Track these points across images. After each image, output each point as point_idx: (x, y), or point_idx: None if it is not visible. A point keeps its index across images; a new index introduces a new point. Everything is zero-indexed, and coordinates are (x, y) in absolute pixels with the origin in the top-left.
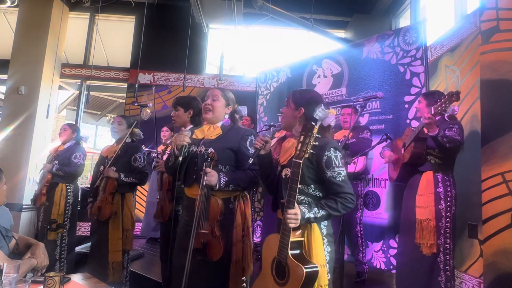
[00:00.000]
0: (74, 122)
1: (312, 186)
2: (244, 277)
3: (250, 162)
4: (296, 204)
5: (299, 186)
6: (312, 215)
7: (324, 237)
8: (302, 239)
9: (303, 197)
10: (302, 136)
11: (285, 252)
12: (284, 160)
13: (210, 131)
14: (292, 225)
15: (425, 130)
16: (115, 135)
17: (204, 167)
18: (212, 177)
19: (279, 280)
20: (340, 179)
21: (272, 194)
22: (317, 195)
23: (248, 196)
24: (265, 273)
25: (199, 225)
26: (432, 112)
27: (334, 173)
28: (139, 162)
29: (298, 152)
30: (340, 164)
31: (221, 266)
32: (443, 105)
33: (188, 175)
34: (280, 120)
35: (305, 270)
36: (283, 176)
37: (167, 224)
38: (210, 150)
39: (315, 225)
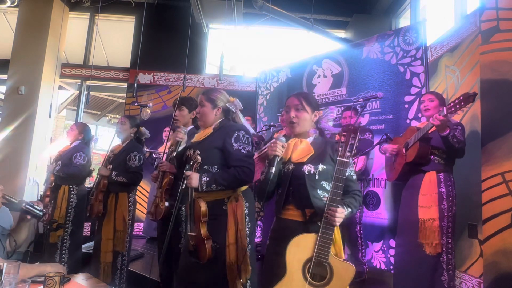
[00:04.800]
0: (75, 122)
1: (330, 184)
2: (242, 280)
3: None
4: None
5: (322, 182)
6: (346, 213)
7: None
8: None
9: (325, 194)
10: (344, 137)
11: (327, 251)
12: (299, 158)
13: (201, 133)
14: (338, 223)
15: (431, 130)
16: (119, 135)
17: (185, 171)
18: (192, 180)
19: (316, 283)
20: (355, 177)
21: (265, 200)
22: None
23: (240, 196)
24: (291, 277)
25: (187, 227)
26: (445, 113)
27: (351, 172)
28: (133, 162)
29: (343, 151)
30: (353, 165)
31: (215, 269)
32: (457, 106)
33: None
34: (291, 127)
35: (354, 268)
36: (307, 173)
37: (163, 225)
38: (194, 151)
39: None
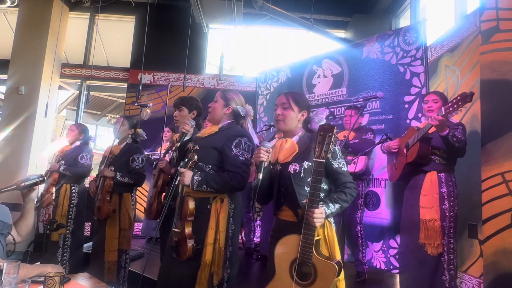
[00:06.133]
0: (75, 122)
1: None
2: (216, 282)
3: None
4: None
5: (309, 180)
6: (330, 211)
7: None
8: (319, 237)
9: None
10: (320, 137)
11: (309, 252)
12: (285, 158)
13: (207, 129)
14: (318, 224)
15: (431, 130)
16: (118, 135)
17: (179, 167)
18: (184, 177)
19: (302, 282)
20: (344, 169)
21: (265, 203)
22: (323, 188)
23: (225, 197)
24: (280, 277)
25: (174, 223)
26: (443, 113)
27: (340, 163)
28: (136, 163)
29: (319, 152)
30: (343, 156)
31: (193, 267)
32: (455, 106)
33: None
34: (277, 123)
35: (337, 267)
36: (292, 172)
37: (164, 226)
38: (193, 147)
39: (330, 223)
